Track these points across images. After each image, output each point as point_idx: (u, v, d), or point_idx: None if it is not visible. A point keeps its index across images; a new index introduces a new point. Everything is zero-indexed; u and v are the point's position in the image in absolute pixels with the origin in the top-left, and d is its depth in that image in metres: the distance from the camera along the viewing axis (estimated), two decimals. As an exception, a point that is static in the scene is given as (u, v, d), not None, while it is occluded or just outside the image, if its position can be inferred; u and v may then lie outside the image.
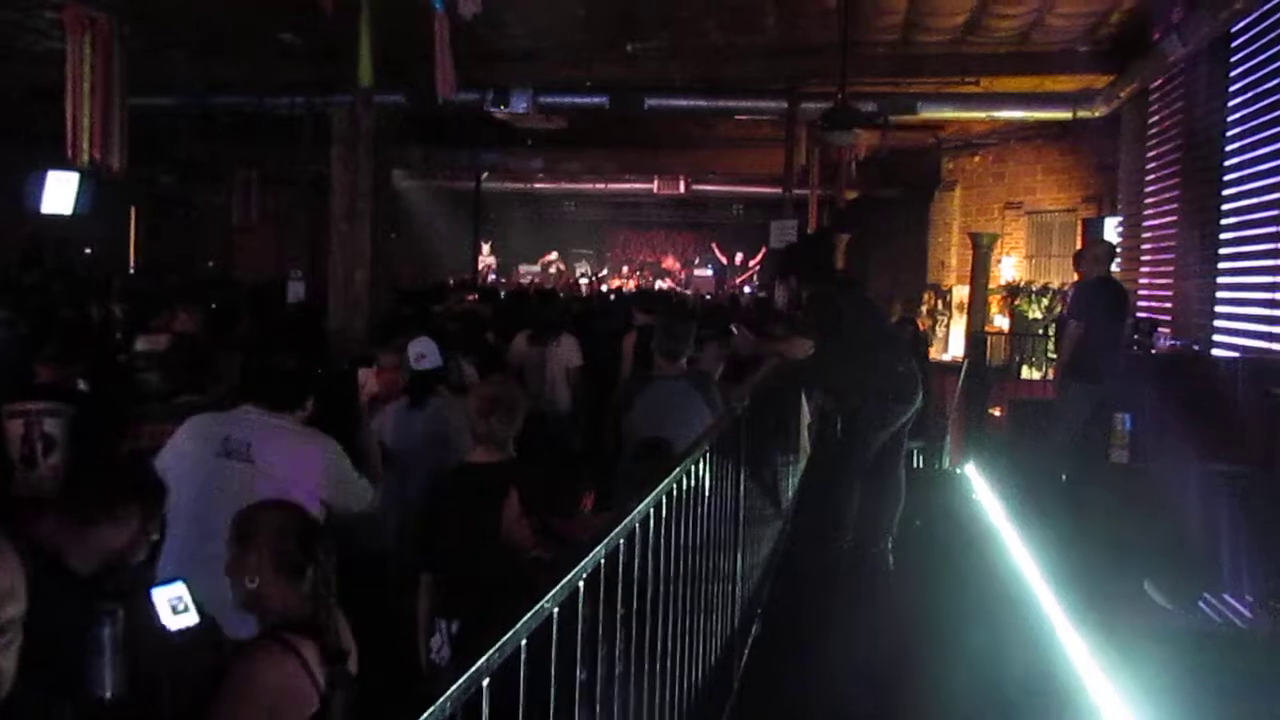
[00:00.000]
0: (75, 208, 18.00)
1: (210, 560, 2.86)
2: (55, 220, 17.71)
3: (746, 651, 4.07)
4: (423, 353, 4.82)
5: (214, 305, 9.30)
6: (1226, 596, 5.26)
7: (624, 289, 20.64)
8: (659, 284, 23.06)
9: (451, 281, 19.32)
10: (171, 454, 3.60)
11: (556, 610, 1.43)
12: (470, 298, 12.08)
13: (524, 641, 1.29)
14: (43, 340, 5.81)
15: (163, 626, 2.65)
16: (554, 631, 1.43)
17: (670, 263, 25.03)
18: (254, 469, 3.51)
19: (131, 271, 18.14)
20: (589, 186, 22.27)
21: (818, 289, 5.97)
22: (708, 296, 17.15)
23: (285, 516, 2.79)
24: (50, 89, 9.70)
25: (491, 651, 1.20)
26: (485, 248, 24.27)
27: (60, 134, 8.90)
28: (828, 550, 5.73)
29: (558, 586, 1.45)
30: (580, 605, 1.56)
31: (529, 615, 1.33)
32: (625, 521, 1.91)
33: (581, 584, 1.57)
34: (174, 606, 2.72)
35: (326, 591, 2.69)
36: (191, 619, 2.67)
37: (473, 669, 1.15)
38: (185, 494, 3.37)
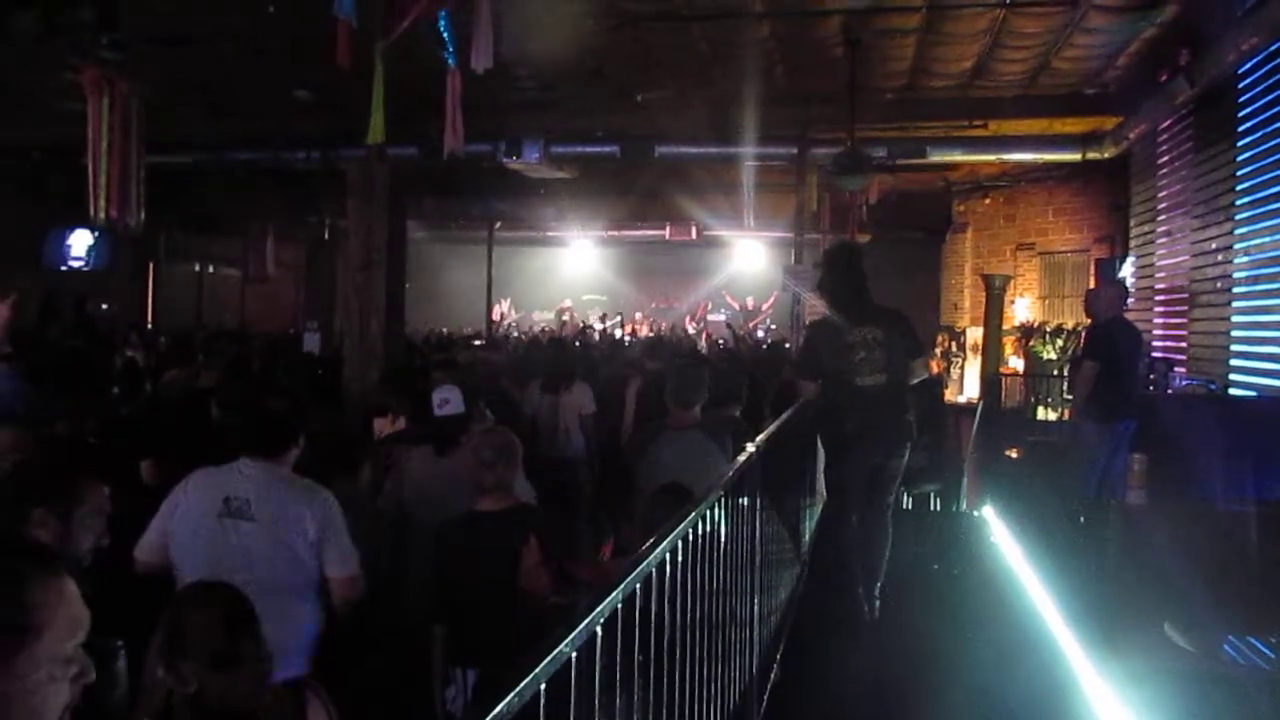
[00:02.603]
0: (91, 262, 18.26)
1: None
2: (73, 275, 17.94)
3: (765, 698, 4.03)
4: (446, 398, 4.78)
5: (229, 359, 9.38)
6: (1251, 639, 5.20)
7: (636, 335, 20.66)
8: (690, 327, 23.06)
9: (468, 330, 19.43)
10: (174, 517, 3.61)
11: (575, 654, 1.43)
12: (475, 342, 12.15)
13: (543, 685, 1.30)
14: (60, 394, 5.87)
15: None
16: (573, 675, 1.43)
17: (701, 311, 25.10)
18: (256, 526, 3.53)
19: (149, 325, 18.28)
20: (601, 234, 22.41)
21: (817, 322, 5.94)
22: (721, 342, 17.16)
23: (209, 611, 2.63)
24: (69, 148, 9.86)
25: (511, 696, 1.20)
26: (505, 302, 24.45)
27: (79, 192, 9.04)
28: (837, 594, 5.67)
29: (576, 630, 1.45)
30: (598, 650, 1.56)
31: (548, 659, 1.34)
32: (642, 565, 1.91)
33: (600, 628, 1.57)
34: None
35: (266, 676, 2.59)
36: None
37: (494, 713, 1.16)
38: (193, 558, 3.47)
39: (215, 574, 3.26)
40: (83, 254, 18.57)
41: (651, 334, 20.53)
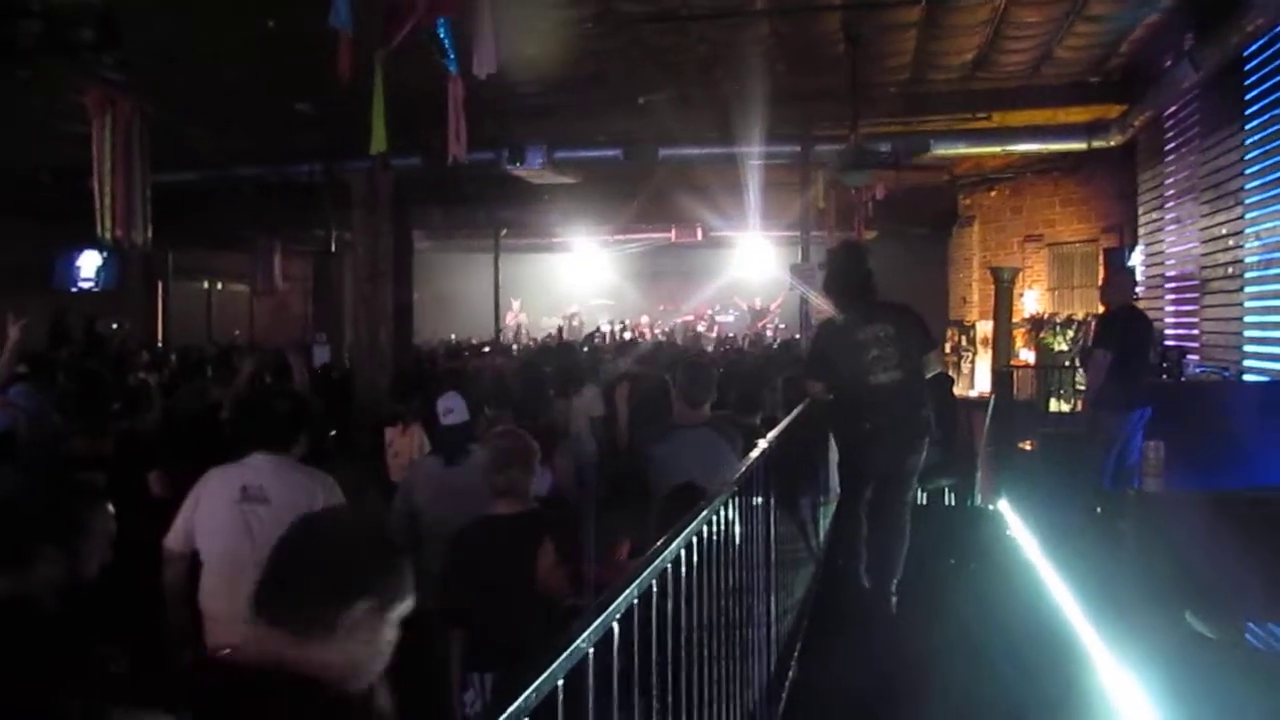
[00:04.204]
0: (100, 282, 18.35)
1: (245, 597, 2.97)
2: (83, 295, 18.01)
3: (784, 695, 4.01)
4: (450, 407, 4.79)
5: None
6: (1271, 625, 5.16)
7: (644, 338, 20.68)
8: (699, 328, 23.08)
9: (475, 340, 19.46)
10: (197, 509, 3.99)
11: (592, 650, 1.42)
12: (485, 350, 12.19)
13: (561, 681, 1.28)
14: (77, 412, 5.91)
15: None
16: (590, 671, 1.41)
17: (701, 310, 25.08)
18: (270, 508, 3.88)
19: (160, 343, 18.34)
20: (607, 238, 22.42)
21: (825, 322, 5.92)
22: (731, 334, 17.19)
23: None
24: (76, 170, 9.90)
25: (529, 691, 1.19)
26: (515, 304, 24.49)
27: (87, 213, 9.07)
28: (852, 591, 5.64)
29: (592, 626, 1.44)
30: (615, 646, 1.55)
31: (565, 655, 1.32)
32: (657, 562, 1.90)
33: (616, 624, 1.56)
34: None
35: None
36: None
37: (512, 708, 1.14)
38: (217, 543, 3.90)
39: (237, 555, 3.77)
40: (92, 274, 18.68)
41: (647, 338, 20.54)
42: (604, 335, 19.99)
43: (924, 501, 9.02)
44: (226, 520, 3.91)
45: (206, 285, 22.40)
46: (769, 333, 21.74)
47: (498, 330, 20.52)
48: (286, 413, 4.20)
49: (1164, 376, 9.23)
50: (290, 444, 4.10)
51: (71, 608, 2.74)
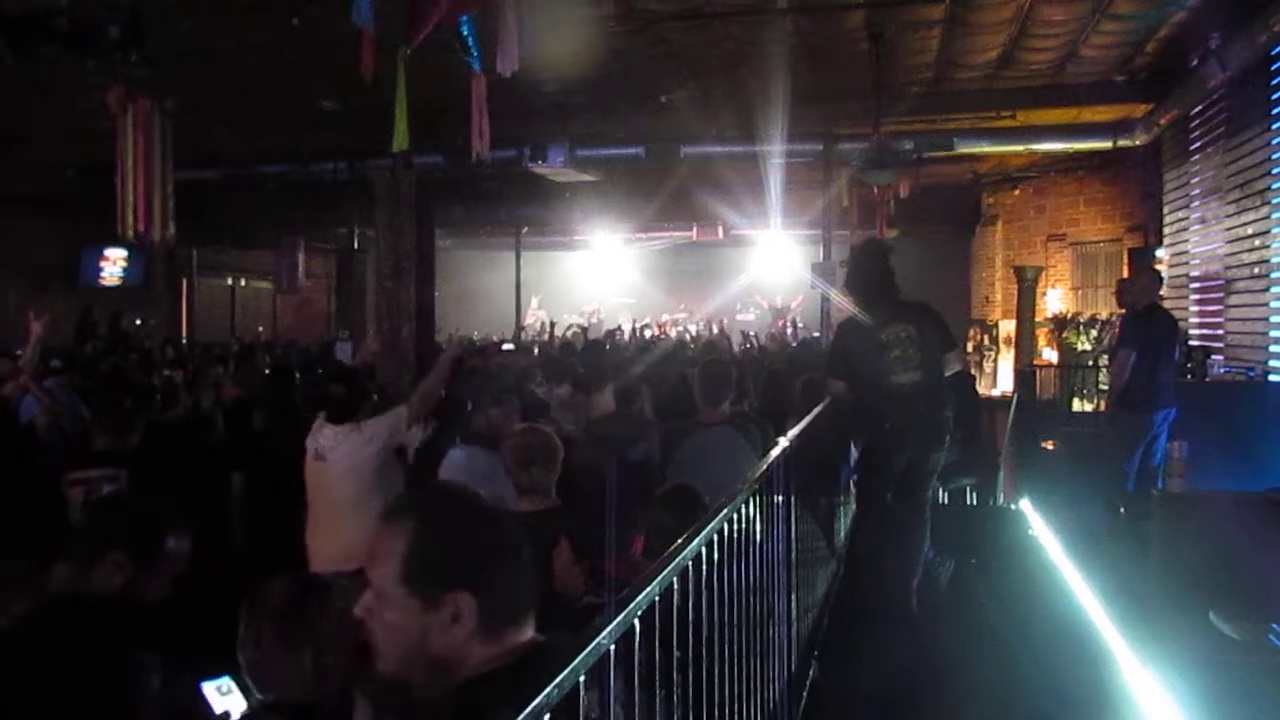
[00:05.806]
0: (126, 278, 18.50)
1: (317, 538, 4.75)
2: (108, 291, 18.15)
3: (804, 694, 4.01)
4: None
5: (267, 370, 9.49)
6: (1298, 627, 5.11)
7: (665, 337, 20.64)
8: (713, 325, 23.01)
9: (495, 338, 19.49)
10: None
11: (614, 646, 1.42)
12: (505, 347, 12.22)
13: (583, 677, 1.29)
14: (102, 408, 5.95)
15: (222, 716, 2.65)
16: (611, 668, 1.41)
17: (703, 315, 24.97)
18: (328, 465, 4.84)
19: (184, 339, 18.47)
20: (629, 236, 22.42)
21: (846, 321, 5.89)
22: (753, 334, 17.15)
23: (285, 585, 2.62)
24: (101, 166, 9.99)
25: (550, 688, 1.19)
26: (535, 301, 24.52)
27: (112, 210, 9.14)
28: (873, 590, 5.62)
29: (614, 622, 1.44)
30: (637, 642, 1.55)
31: (588, 649, 1.32)
32: (679, 559, 1.90)
33: (638, 620, 1.56)
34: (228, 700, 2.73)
35: (337, 675, 2.43)
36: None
37: (534, 704, 1.14)
38: (309, 488, 4.93)
39: (316, 498, 4.88)
40: (117, 270, 18.83)
41: (671, 336, 20.50)
42: (624, 334, 19.97)
43: (945, 500, 8.98)
44: (310, 473, 4.94)
45: (230, 282, 22.53)
46: (789, 331, 21.66)
47: (520, 328, 20.56)
48: (342, 394, 5.16)
49: (1189, 377, 9.17)
50: (350, 416, 4.99)
51: (119, 615, 2.73)
